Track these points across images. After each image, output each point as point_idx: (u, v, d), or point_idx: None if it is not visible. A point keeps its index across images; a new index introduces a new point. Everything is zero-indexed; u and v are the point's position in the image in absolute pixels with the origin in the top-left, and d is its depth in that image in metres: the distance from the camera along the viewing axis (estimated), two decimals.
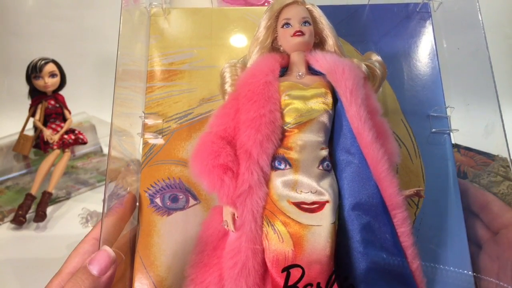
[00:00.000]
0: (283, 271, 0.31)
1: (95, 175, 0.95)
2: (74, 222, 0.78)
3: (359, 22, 0.46)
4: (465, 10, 0.44)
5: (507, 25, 1.12)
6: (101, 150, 1.04)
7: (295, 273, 0.31)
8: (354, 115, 0.35)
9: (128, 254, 0.38)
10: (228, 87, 0.39)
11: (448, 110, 0.43)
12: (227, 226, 0.34)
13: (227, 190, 0.33)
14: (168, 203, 0.40)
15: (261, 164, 0.33)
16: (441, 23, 0.45)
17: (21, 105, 0.89)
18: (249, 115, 0.34)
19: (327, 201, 0.33)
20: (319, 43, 0.40)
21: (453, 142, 0.43)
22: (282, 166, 0.34)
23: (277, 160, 0.34)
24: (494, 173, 0.81)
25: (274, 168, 0.34)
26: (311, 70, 0.38)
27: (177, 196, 0.40)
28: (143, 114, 0.41)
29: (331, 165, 0.35)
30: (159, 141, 0.41)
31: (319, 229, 0.32)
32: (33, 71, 0.84)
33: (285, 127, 0.35)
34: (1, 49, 1.15)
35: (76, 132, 0.90)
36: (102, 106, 1.15)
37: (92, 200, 0.87)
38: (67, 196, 0.88)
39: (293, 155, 0.34)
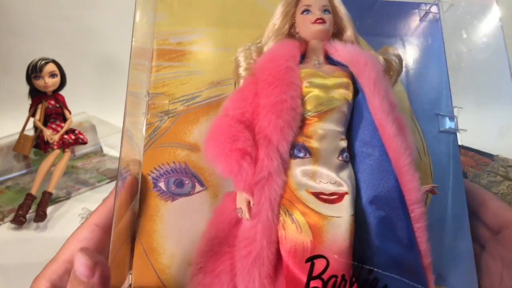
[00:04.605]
0: (307, 261, 0.30)
1: (95, 175, 0.95)
2: (74, 222, 0.78)
3: (369, 17, 0.45)
4: (479, 11, 0.43)
5: None
6: (101, 150, 1.04)
7: (319, 264, 0.30)
8: (378, 106, 0.34)
9: (128, 240, 0.37)
10: (242, 71, 0.38)
11: (455, 110, 0.43)
12: (242, 213, 0.33)
13: (244, 176, 0.32)
14: (172, 188, 0.38)
15: (280, 151, 0.32)
16: (453, 23, 0.45)
17: (21, 105, 0.89)
18: (270, 100, 0.33)
19: (346, 193, 0.32)
20: (337, 33, 0.39)
21: (464, 142, 0.43)
22: (302, 155, 0.33)
23: (296, 148, 0.33)
24: (494, 173, 0.81)
25: (293, 156, 0.33)
26: (328, 60, 0.37)
27: (182, 181, 0.38)
28: (147, 94, 0.39)
29: (349, 157, 0.34)
30: (165, 123, 0.39)
31: (340, 221, 0.32)
32: (33, 71, 0.84)
33: (305, 115, 0.34)
34: (1, 49, 1.15)
35: (76, 132, 0.90)
36: (102, 106, 1.15)
37: (92, 200, 0.87)
38: (67, 196, 0.88)
39: (313, 144, 0.34)
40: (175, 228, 0.36)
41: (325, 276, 0.30)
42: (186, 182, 0.38)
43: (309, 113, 0.34)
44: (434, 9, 0.46)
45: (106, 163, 1.00)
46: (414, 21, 0.46)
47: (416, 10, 0.46)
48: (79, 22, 1.19)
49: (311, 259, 0.30)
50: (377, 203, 0.33)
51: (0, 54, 1.15)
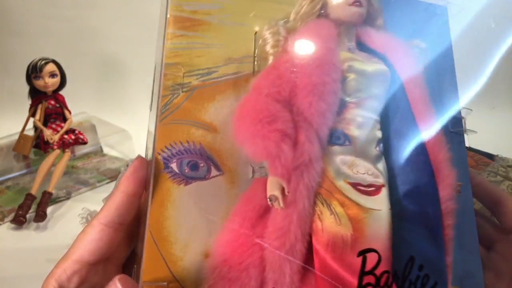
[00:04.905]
0: (359, 254, 0.28)
1: (95, 175, 0.95)
2: (74, 222, 0.78)
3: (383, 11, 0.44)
4: (494, 15, 0.43)
5: None
6: (101, 150, 1.04)
7: (371, 259, 0.29)
8: (418, 98, 0.33)
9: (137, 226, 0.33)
10: (270, 48, 0.35)
11: (464, 111, 0.43)
12: (274, 201, 0.29)
13: (283, 160, 0.29)
14: (186, 170, 0.33)
15: (320, 135, 0.30)
16: (465, 27, 0.45)
17: (21, 105, 0.89)
18: (311, 80, 0.30)
19: (383, 185, 0.31)
20: (366, 19, 0.37)
21: (476, 144, 0.42)
22: (341, 142, 0.31)
23: (335, 135, 0.31)
24: (494, 173, 0.81)
25: (331, 142, 0.31)
26: (359, 46, 0.36)
27: (197, 163, 0.33)
28: (161, 63, 0.35)
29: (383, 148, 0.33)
30: (177, 97, 0.35)
31: (380, 214, 0.30)
32: (33, 71, 0.83)
33: (343, 100, 0.32)
34: (1, 49, 1.15)
35: (76, 132, 0.90)
36: (103, 106, 1.15)
37: (92, 200, 0.87)
38: (67, 196, 0.88)
39: (353, 131, 0.32)
40: (189, 215, 0.32)
41: (377, 272, 0.28)
42: (201, 164, 0.33)
43: (347, 98, 0.32)
44: (443, 11, 0.45)
45: (106, 163, 1.00)
46: (423, 22, 0.45)
47: (426, 11, 0.45)
48: (79, 22, 1.19)
49: (363, 253, 0.28)
50: (411, 197, 0.31)
51: (0, 54, 1.15)
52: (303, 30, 0.34)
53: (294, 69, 0.31)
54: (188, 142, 0.34)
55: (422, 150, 0.33)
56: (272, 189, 0.30)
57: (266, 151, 0.29)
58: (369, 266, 0.28)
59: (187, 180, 0.33)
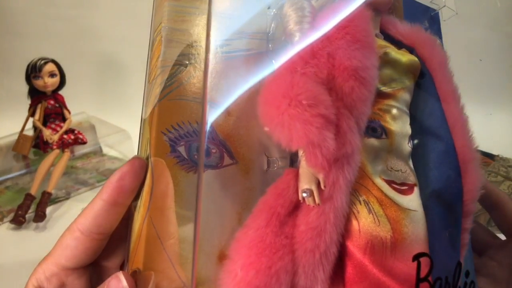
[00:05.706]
0: (414, 259, 0.26)
1: (94, 175, 0.95)
2: None
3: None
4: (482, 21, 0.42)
5: None
6: (101, 150, 1.04)
7: (424, 264, 0.26)
8: (450, 95, 0.31)
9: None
10: (293, 25, 0.30)
11: None
12: (309, 196, 0.26)
13: (325, 150, 0.25)
14: (196, 156, 0.28)
15: (360, 125, 0.27)
16: (461, 31, 0.44)
17: (20, 105, 0.89)
18: (352, 63, 0.27)
19: (415, 184, 0.29)
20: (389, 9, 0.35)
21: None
22: (378, 134, 0.28)
23: (372, 126, 0.28)
24: (495, 173, 0.81)
25: (367, 134, 0.28)
26: (383, 35, 0.33)
27: (209, 148, 0.28)
28: (164, 27, 0.30)
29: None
30: (184, 70, 0.30)
31: (417, 215, 0.27)
32: (33, 71, 0.83)
33: (379, 89, 0.29)
34: (1, 49, 1.15)
35: (76, 132, 0.90)
36: (102, 106, 1.15)
37: None
38: (67, 196, 0.87)
39: (389, 124, 0.29)
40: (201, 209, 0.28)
41: (431, 278, 0.26)
42: (213, 150, 0.28)
43: (382, 88, 0.29)
44: (436, 15, 0.45)
45: (106, 163, 1.00)
46: (419, 23, 0.45)
47: (422, 12, 0.45)
48: (79, 22, 1.19)
49: (417, 257, 0.26)
50: (438, 198, 0.29)
51: (0, 54, 1.15)
52: (335, 9, 0.30)
53: (330, 50, 0.27)
54: (197, 123, 0.29)
55: (451, 148, 0.30)
56: (307, 182, 0.26)
57: (307, 138, 0.25)
58: (423, 272, 0.26)
59: (197, 167, 0.28)
